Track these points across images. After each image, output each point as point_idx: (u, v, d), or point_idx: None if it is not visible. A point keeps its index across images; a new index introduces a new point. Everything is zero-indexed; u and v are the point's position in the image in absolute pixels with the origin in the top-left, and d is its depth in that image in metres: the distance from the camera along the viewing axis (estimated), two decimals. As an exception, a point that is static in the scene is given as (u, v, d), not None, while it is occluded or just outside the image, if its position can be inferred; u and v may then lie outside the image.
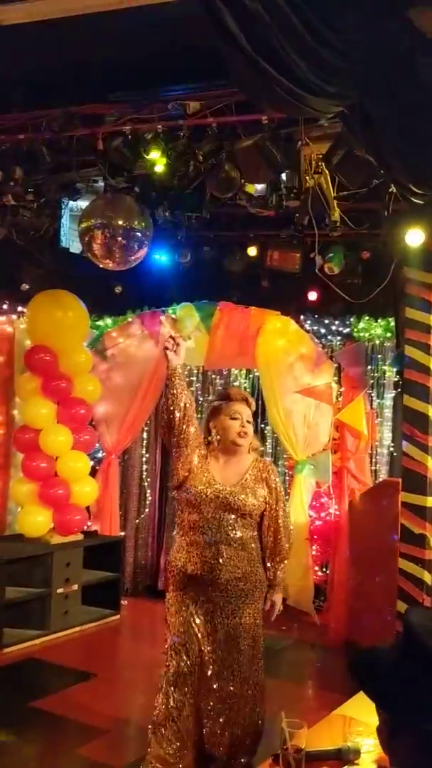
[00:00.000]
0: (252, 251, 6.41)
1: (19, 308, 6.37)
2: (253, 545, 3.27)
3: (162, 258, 6.44)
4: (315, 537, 6.27)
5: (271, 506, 3.32)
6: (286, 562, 3.42)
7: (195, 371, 7.11)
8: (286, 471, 6.82)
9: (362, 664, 1.47)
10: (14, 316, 6.42)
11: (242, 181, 4.42)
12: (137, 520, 7.02)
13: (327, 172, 4.43)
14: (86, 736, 4.11)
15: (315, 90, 2.48)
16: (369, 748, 2.11)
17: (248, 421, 3.29)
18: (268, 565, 3.34)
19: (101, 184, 5.58)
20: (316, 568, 6.31)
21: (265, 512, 3.30)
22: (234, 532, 3.19)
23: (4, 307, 6.30)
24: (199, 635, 3.23)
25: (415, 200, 3.29)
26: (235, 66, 2.36)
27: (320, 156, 4.34)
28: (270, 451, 6.99)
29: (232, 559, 3.17)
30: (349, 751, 2.12)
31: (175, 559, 3.30)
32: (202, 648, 3.23)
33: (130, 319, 6.70)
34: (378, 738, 1.44)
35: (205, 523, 3.18)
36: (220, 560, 3.16)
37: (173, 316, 6.51)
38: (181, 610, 3.25)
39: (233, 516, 3.18)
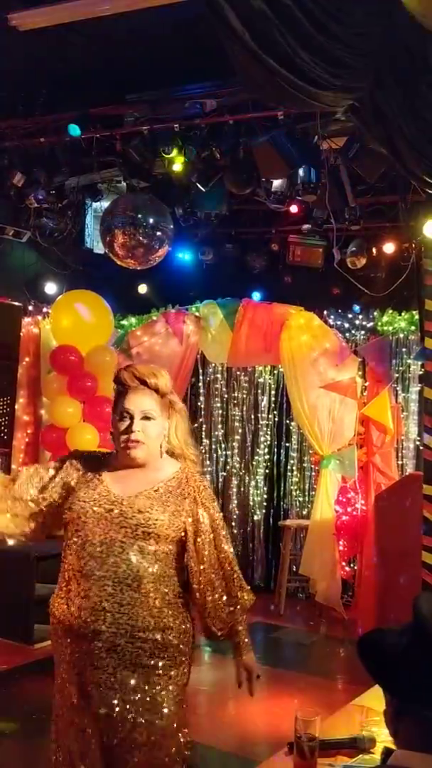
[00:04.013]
0: (274, 247, 6.42)
1: (45, 309, 6.46)
2: (162, 585, 2.18)
3: (185, 256, 6.48)
4: (342, 532, 6.25)
5: (202, 534, 2.23)
6: (243, 610, 2.34)
7: (219, 368, 7.15)
8: (312, 467, 6.82)
9: (370, 645, 1.48)
10: (40, 317, 6.52)
11: (260, 177, 4.43)
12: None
13: (344, 166, 4.42)
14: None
15: (322, 84, 2.49)
16: (384, 738, 2.12)
17: (147, 417, 2.21)
18: (212, 621, 2.28)
19: (123, 184, 5.65)
20: (344, 563, 6.29)
21: (187, 543, 2.22)
22: (127, 563, 2.14)
23: (30, 308, 6.40)
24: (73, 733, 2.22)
25: (430, 191, 3.28)
26: (241, 63, 2.38)
27: (337, 150, 4.33)
28: (296, 446, 7.00)
29: (124, 605, 2.13)
30: (364, 740, 2.14)
31: (51, 604, 2.28)
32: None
33: (154, 318, 6.75)
34: (384, 719, 1.46)
35: (90, 550, 2.16)
36: (104, 604, 2.11)
37: (197, 314, 6.54)
38: (60, 686, 2.27)
39: (130, 539, 2.15)
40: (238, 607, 2.32)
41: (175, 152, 4.50)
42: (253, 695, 2.43)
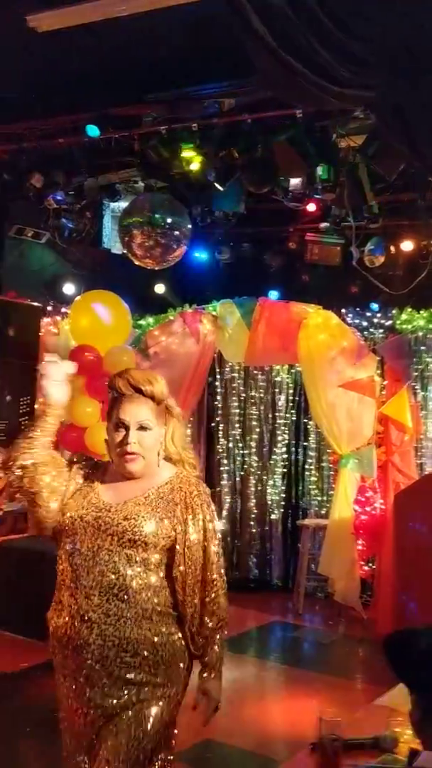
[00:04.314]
0: (291, 245, 6.41)
1: (63, 309, 6.49)
2: (151, 596, 2.09)
3: (201, 256, 6.48)
4: (360, 531, 6.22)
5: (191, 542, 2.12)
6: (223, 628, 2.20)
7: (237, 367, 7.14)
8: (330, 466, 6.80)
9: (398, 644, 1.48)
10: (58, 318, 6.55)
11: (278, 175, 4.42)
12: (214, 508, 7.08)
13: (363, 163, 4.40)
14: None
15: (342, 81, 2.48)
16: (407, 738, 2.11)
17: (144, 428, 2.13)
18: (192, 632, 2.16)
19: (141, 184, 5.66)
20: (362, 562, 6.26)
21: (176, 550, 2.11)
22: (114, 572, 2.07)
23: (49, 308, 6.44)
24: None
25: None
26: (261, 63, 2.38)
27: (356, 148, 4.31)
28: (314, 445, 6.98)
29: (111, 615, 2.05)
30: (387, 740, 2.13)
31: (48, 615, 2.21)
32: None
33: (171, 318, 6.76)
34: (409, 720, 1.45)
35: (78, 558, 2.10)
36: (91, 615, 2.05)
37: (214, 313, 6.54)
38: (60, 690, 2.20)
39: (117, 547, 2.08)
40: (212, 626, 2.17)
41: (193, 152, 4.49)
42: (205, 725, 2.19)
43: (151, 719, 2.05)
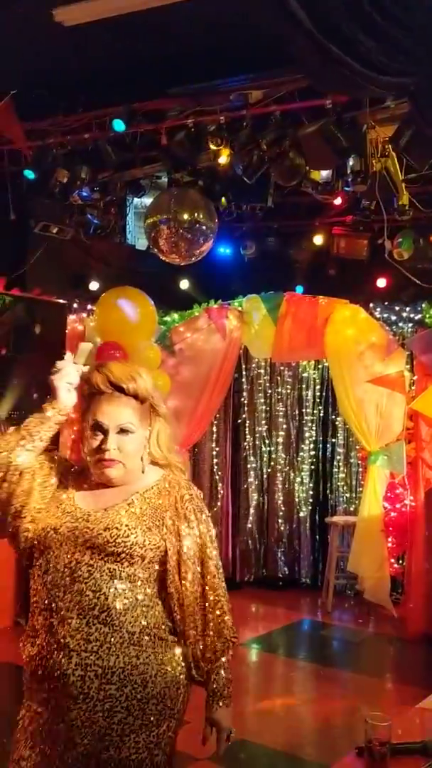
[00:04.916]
0: (318, 240, 6.33)
1: (89, 306, 6.47)
2: (139, 617, 1.83)
3: (226, 251, 6.43)
4: (390, 529, 6.15)
5: (186, 553, 1.89)
6: (230, 650, 1.96)
7: (263, 364, 7.09)
8: (359, 462, 6.73)
9: None
10: (84, 315, 6.53)
11: (307, 168, 4.35)
12: (209, 514, 7.04)
13: (394, 154, 4.32)
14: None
15: (382, 69, 2.41)
16: (457, 744, 2.05)
17: (125, 431, 1.88)
18: (196, 657, 1.91)
19: (164, 180, 5.62)
20: (392, 560, 6.19)
21: (168, 564, 1.88)
22: (95, 590, 1.79)
23: (74, 306, 6.42)
24: None
25: None
26: (300, 50, 2.32)
27: (387, 138, 4.23)
28: (342, 442, 6.90)
29: (92, 641, 1.77)
30: (437, 746, 2.06)
31: (22, 644, 1.91)
32: None
33: (196, 314, 6.72)
34: None
35: (53, 577, 1.83)
36: (69, 641, 1.76)
37: (239, 308, 6.49)
38: (28, 729, 1.86)
39: (98, 562, 1.82)
40: (218, 647, 1.91)
41: (220, 145, 4.44)
42: (220, 755, 1.99)
43: (149, 754, 1.80)
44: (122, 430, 1.88)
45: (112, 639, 1.77)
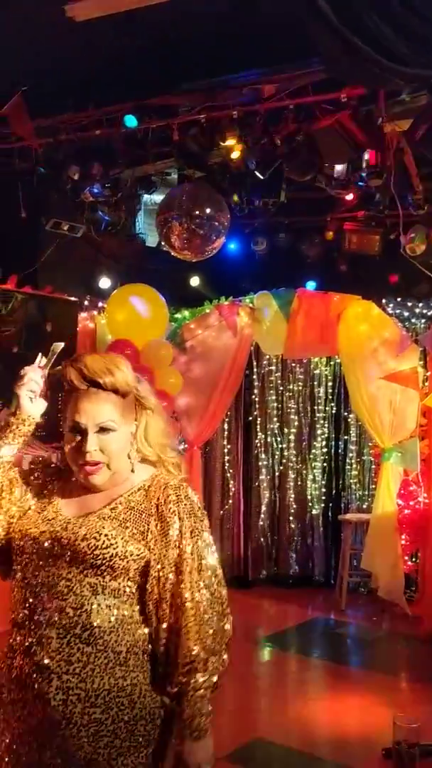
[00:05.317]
0: (329, 235, 6.29)
1: (100, 304, 6.45)
2: (124, 635, 1.68)
3: (237, 247, 6.40)
4: (404, 526, 6.11)
5: (165, 563, 1.69)
6: (197, 671, 1.66)
7: (274, 360, 7.05)
8: (372, 459, 6.69)
9: None
10: (95, 312, 6.52)
11: (322, 162, 4.32)
12: (221, 512, 7.03)
13: (409, 148, 4.27)
14: (182, 725, 4.14)
15: (405, 60, 2.37)
16: None
17: (104, 429, 1.71)
18: (161, 674, 1.72)
19: (174, 176, 5.59)
20: (406, 557, 6.15)
21: (150, 572, 1.69)
22: (75, 607, 1.65)
23: (85, 303, 6.40)
24: None
25: None
26: (322, 41, 2.28)
27: (402, 132, 4.19)
28: (354, 439, 6.86)
29: (73, 663, 1.63)
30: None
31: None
32: None
33: (207, 311, 6.69)
34: None
35: (31, 589, 1.70)
36: (48, 662, 1.63)
37: (251, 305, 6.45)
38: None
39: (78, 575, 1.67)
40: (182, 666, 1.66)
41: (233, 140, 4.40)
42: None
43: None
44: (102, 429, 1.70)
45: (96, 660, 1.63)
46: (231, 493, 7.08)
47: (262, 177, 4.56)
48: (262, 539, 7.06)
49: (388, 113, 4.18)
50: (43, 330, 5.70)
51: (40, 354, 1.83)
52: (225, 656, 1.70)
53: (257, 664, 5.22)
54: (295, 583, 6.96)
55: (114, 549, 1.65)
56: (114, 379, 1.70)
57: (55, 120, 5.07)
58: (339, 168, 4.61)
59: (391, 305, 6.36)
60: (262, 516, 7.07)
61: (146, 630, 1.70)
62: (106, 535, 1.66)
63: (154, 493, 1.73)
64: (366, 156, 4.27)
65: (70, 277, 6.22)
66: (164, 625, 1.67)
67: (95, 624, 1.63)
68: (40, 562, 1.69)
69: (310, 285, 6.62)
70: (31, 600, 1.67)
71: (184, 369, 6.49)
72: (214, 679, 1.67)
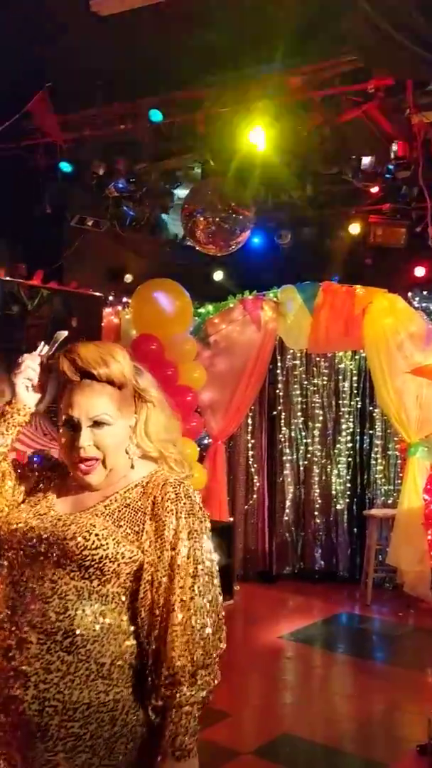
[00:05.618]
0: (354, 228, 6.24)
1: (124, 299, 6.47)
2: (110, 644, 1.54)
3: (261, 241, 6.38)
4: (430, 521, 6.06)
5: (159, 565, 1.55)
6: (181, 685, 1.51)
7: (298, 355, 7.02)
8: (397, 454, 6.64)
9: None
10: (119, 307, 6.53)
11: (350, 154, 4.28)
12: (246, 506, 7.03)
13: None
14: (209, 719, 4.13)
15: (439, 47, 2.33)
16: None
17: (99, 423, 1.60)
18: (146, 688, 1.56)
19: (197, 170, 5.57)
20: (433, 553, 6.11)
21: (143, 576, 1.56)
22: (59, 611, 1.52)
23: (110, 298, 6.41)
24: None
25: None
26: (358, 33, 2.26)
27: (430, 123, 4.13)
28: (380, 433, 6.82)
29: (53, 671, 1.50)
30: None
31: None
32: None
33: (231, 305, 6.68)
34: None
35: (14, 591, 1.58)
36: (26, 669, 1.50)
37: (275, 299, 6.43)
38: None
39: (64, 577, 1.54)
40: (164, 678, 1.51)
41: (259, 133, 4.38)
42: None
43: None
44: (97, 423, 1.59)
45: (77, 670, 1.49)
46: (255, 488, 7.07)
47: (288, 170, 4.52)
48: (286, 534, 7.04)
49: (416, 104, 4.12)
50: (69, 325, 5.70)
51: (42, 342, 1.75)
52: (217, 670, 1.55)
53: (283, 660, 5.22)
54: (320, 578, 6.95)
55: (104, 550, 1.53)
56: (108, 371, 1.60)
57: (80, 115, 5.07)
58: (366, 160, 4.57)
59: (417, 299, 6.30)
60: (287, 511, 7.05)
61: (134, 641, 1.56)
62: (96, 535, 1.53)
63: (152, 490, 1.60)
64: (394, 147, 4.22)
65: (94, 272, 6.24)
66: (155, 633, 1.54)
67: (78, 632, 1.50)
68: (27, 560, 1.57)
69: (334, 279, 6.57)
70: (14, 598, 1.55)
71: (207, 364, 6.50)
72: (202, 694, 1.51)
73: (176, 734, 1.49)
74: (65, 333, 1.76)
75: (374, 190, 5.53)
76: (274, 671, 4.93)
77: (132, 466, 1.65)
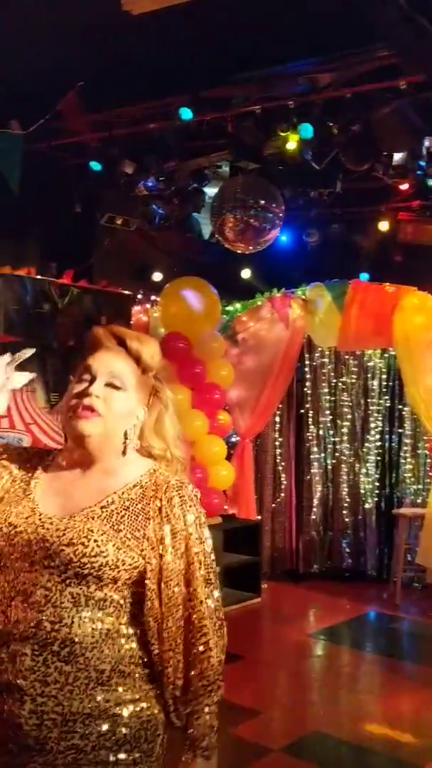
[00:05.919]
0: (384, 225, 6.20)
1: (153, 297, 6.49)
2: (109, 651, 1.48)
3: (289, 239, 6.36)
4: (460, 520, 6.01)
5: (169, 570, 1.51)
6: (215, 692, 1.53)
7: (327, 353, 6.99)
8: (427, 453, 6.58)
9: None
10: (148, 305, 6.56)
11: (381, 150, 4.25)
12: (273, 505, 7.02)
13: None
14: (239, 717, 4.14)
15: None
16: None
17: (114, 385, 1.56)
18: (174, 697, 1.53)
19: (226, 169, 5.57)
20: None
21: (147, 586, 1.50)
22: (54, 620, 1.44)
23: (139, 297, 6.45)
24: None
25: None
26: (393, 29, 2.24)
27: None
28: (409, 432, 6.76)
29: (50, 683, 1.43)
30: None
31: None
32: None
33: (259, 303, 6.67)
34: None
35: (4, 597, 1.49)
36: (21, 682, 1.43)
37: (303, 297, 6.41)
38: None
39: (59, 584, 1.46)
40: (199, 689, 1.51)
41: (289, 130, 4.37)
42: None
43: None
44: (112, 384, 1.54)
45: (75, 680, 1.43)
46: (283, 487, 7.05)
47: (317, 167, 4.50)
48: (314, 533, 7.02)
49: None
50: (98, 323, 5.74)
51: (9, 353, 1.72)
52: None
53: (311, 658, 5.21)
54: (348, 577, 6.92)
55: (104, 557, 1.45)
56: (140, 347, 1.58)
57: (110, 114, 5.09)
58: (398, 156, 4.53)
59: (447, 296, 6.22)
60: (314, 509, 7.03)
61: (133, 645, 1.50)
62: (95, 541, 1.46)
63: (155, 492, 1.53)
64: (426, 143, 4.19)
65: (123, 270, 6.27)
66: (179, 652, 1.50)
67: (76, 640, 1.43)
68: (16, 564, 1.48)
69: (363, 276, 6.54)
70: (3, 608, 1.47)
71: (235, 361, 6.50)
72: (221, 692, 1.55)
73: (203, 735, 1.51)
74: (32, 351, 1.74)
75: (404, 186, 5.49)
76: (303, 669, 4.92)
77: (124, 452, 1.58)
